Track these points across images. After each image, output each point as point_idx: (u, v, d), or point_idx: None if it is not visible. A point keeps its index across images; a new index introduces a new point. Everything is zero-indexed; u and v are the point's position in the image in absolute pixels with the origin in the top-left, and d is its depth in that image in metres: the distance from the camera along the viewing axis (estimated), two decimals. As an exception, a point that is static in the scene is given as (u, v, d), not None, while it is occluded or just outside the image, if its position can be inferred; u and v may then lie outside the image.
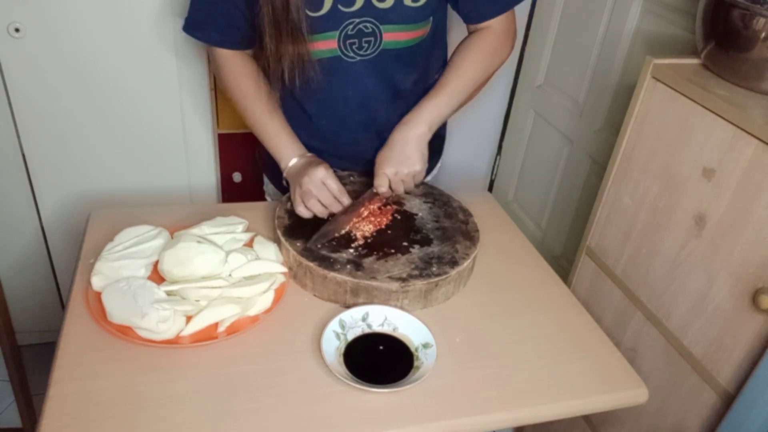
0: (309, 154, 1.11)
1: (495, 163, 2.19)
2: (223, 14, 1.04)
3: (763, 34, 0.90)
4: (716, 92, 0.95)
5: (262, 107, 1.11)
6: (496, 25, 1.11)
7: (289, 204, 1.10)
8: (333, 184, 1.05)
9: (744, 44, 0.94)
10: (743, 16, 0.91)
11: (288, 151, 1.11)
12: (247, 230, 1.08)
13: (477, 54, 1.11)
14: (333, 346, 0.88)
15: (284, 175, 1.12)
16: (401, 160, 1.07)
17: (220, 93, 1.63)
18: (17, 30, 1.41)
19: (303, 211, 1.06)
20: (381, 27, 1.04)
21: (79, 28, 1.45)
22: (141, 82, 1.57)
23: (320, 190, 1.05)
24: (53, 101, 1.52)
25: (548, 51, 1.85)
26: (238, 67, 1.11)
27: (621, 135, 1.14)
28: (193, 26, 1.08)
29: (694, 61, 1.06)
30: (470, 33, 1.14)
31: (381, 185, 1.08)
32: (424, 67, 1.16)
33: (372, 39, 1.05)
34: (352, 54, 1.06)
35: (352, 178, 1.20)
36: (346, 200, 1.07)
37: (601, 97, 1.62)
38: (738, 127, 0.90)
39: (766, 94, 0.95)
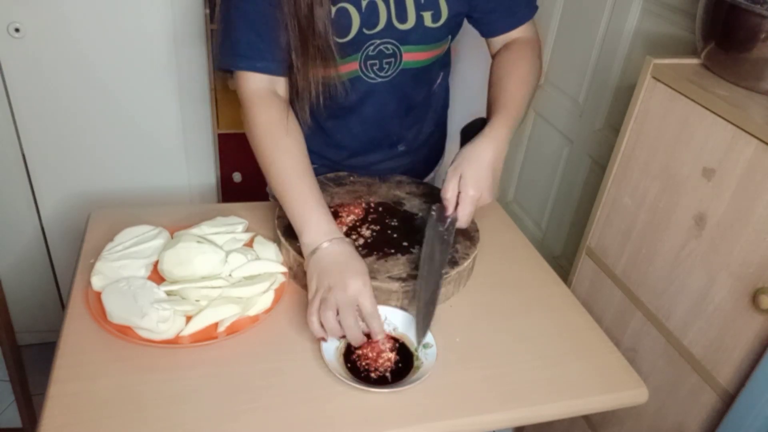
0: (345, 241, 0.90)
1: (495, 163, 2.19)
2: (268, 39, 0.94)
3: (763, 34, 0.90)
4: (716, 92, 0.95)
5: (292, 163, 0.95)
6: (521, 35, 1.08)
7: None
8: (368, 304, 0.84)
9: (744, 44, 0.94)
10: (743, 16, 0.91)
11: (318, 226, 0.90)
12: (247, 230, 1.08)
13: (528, 64, 1.06)
14: (333, 346, 0.88)
15: (305, 254, 0.91)
16: (493, 186, 0.97)
17: (220, 93, 1.63)
18: (17, 30, 1.41)
19: (314, 323, 0.84)
20: (401, 48, 1.03)
21: (79, 28, 1.45)
22: (141, 82, 1.57)
23: (348, 310, 0.83)
24: (53, 101, 1.52)
25: (548, 51, 1.85)
26: (274, 112, 0.95)
27: (621, 135, 1.14)
28: (236, 57, 0.94)
29: (694, 61, 1.06)
30: (500, 49, 1.10)
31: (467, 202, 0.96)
32: (433, 81, 1.17)
33: (392, 60, 1.05)
34: (372, 75, 1.06)
35: (351, 178, 1.20)
36: (377, 325, 0.86)
37: (601, 97, 1.62)
38: (738, 127, 0.90)
39: (766, 94, 0.95)
